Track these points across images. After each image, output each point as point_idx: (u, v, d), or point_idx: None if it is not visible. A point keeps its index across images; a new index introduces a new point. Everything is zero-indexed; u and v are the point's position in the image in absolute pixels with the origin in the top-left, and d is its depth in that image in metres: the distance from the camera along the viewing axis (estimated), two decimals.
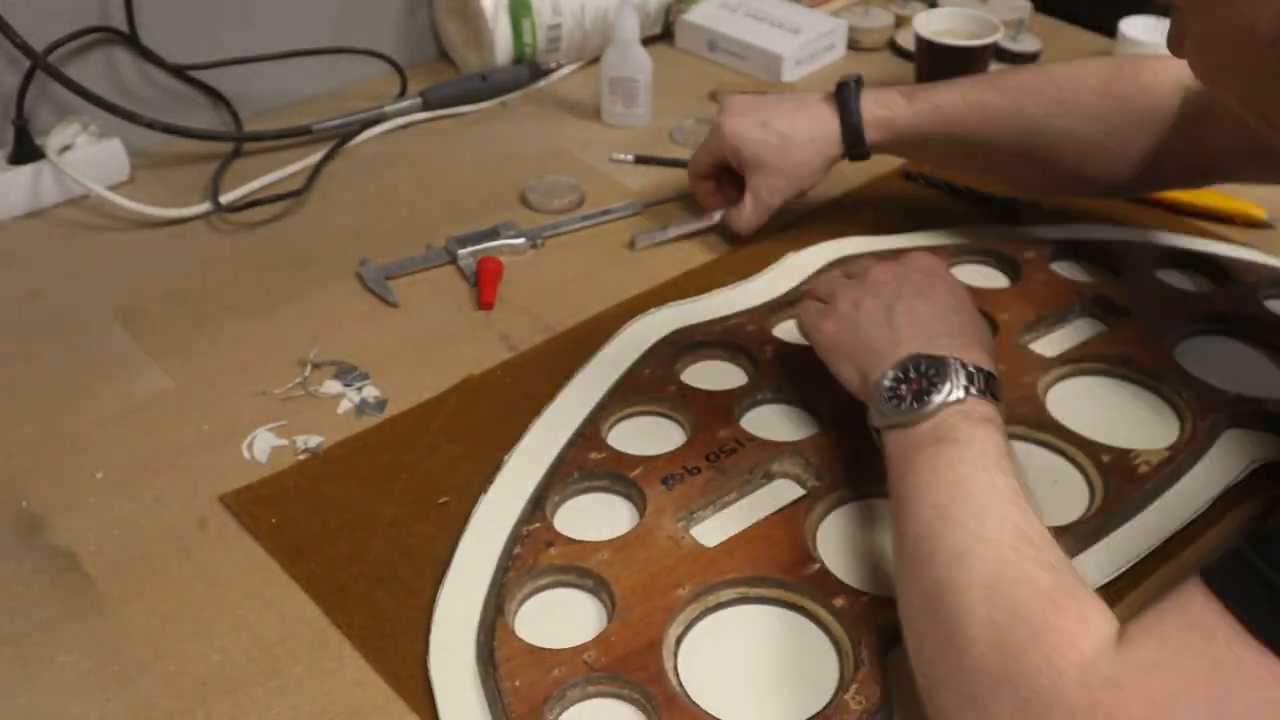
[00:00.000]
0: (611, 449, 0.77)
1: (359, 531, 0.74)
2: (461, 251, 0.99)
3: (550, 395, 0.83)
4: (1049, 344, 0.88)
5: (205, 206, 1.05)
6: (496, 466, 0.76)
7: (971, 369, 0.66)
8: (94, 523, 0.75)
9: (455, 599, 0.68)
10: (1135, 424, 0.81)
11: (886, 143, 0.95)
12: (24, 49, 1.00)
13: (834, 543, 0.72)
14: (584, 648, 0.64)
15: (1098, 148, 0.90)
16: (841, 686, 0.63)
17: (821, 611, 0.67)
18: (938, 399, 0.65)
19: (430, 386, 0.86)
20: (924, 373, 0.67)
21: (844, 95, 0.95)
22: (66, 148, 1.05)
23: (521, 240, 1.01)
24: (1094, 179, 0.92)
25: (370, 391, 0.85)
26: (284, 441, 0.81)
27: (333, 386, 0.86)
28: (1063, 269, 0.96)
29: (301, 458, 0.80)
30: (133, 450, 0.80)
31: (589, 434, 0.78)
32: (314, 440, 0.81)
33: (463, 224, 1.03)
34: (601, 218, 1.05)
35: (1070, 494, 0.76)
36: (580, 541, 0.70)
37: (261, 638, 0.68)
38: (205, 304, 0.94)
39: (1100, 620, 0.54)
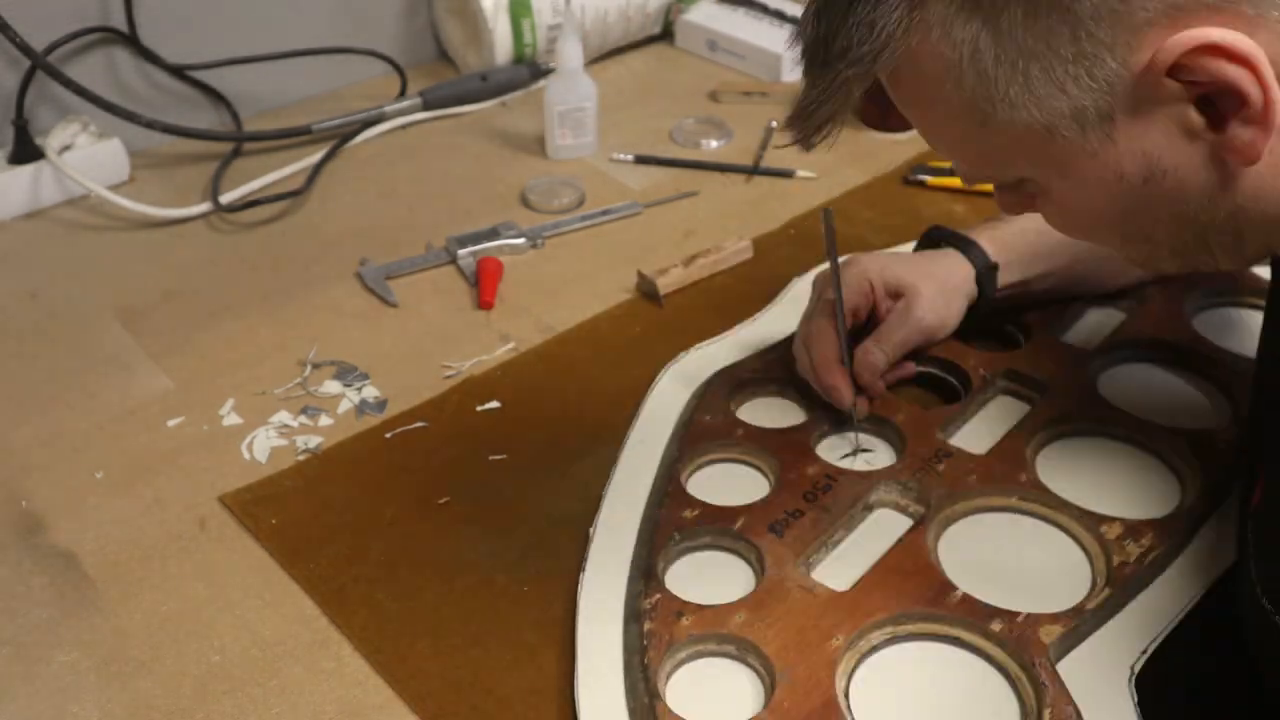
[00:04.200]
0: (704, 504, 0.73)
1: (359, 532, 0.74)
2: (461, 251, 0.99)
3: (552, 396, 0.83)
4: (1078, 336, 0.88)
5: (205, 206, 1.05)
6: (585, 541, 0.72)
7: None
8: (94, 523, 0.75)
9: (597, 693, 0.63)
10: (1192, 405, 0.82)
11: (1005, 260, 0.84)
12: (24, 49, 1.00)
13: (961, 566, 0.69)
14: (760, 719, 0.61)
15: None
16: (1028, 712, 0.61)
17: (980, 640, 0.65)
18: None
19: (430, 387, 0.86)
20: None
21: (937, 236, 0.85)
22: (66, 148, 1.05)
23: (521, 240, 1.01)
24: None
25: (370, 391, 0.85)
26: (284, 441, 0.81)
27: (333, 386, 0.86)
28: None
29: (301, 458, 0.80)
30: (133, 450, 0.80)
31: (673, 492, 0.74)
32: (314, 440, 0.81)
33: (463, 224, 1.03)
34: (601, 218, 1.05)
35: (1161, 482, 0.76)
36: (711, 606, 0.66)
37: (261, 638, 0.68)
38: (205, 304, 0.94)
39: None
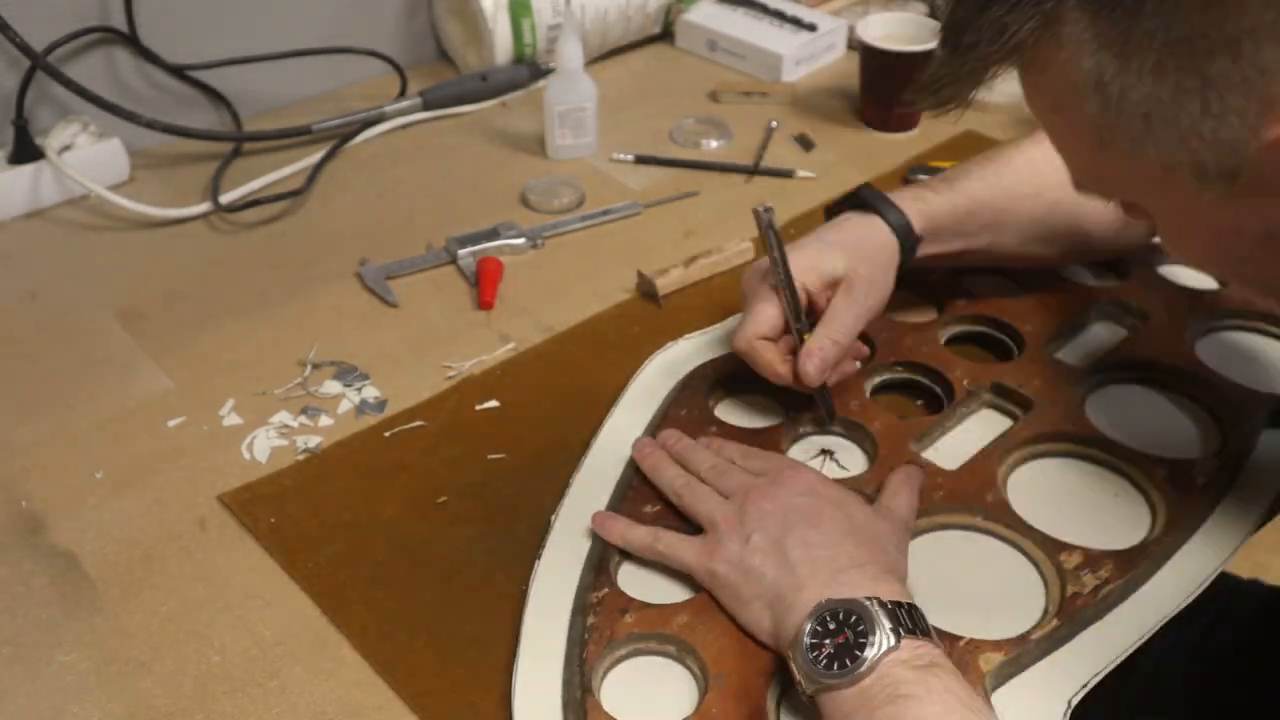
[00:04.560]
0: (665, 501, 0.73)
1: (358, 531, 0.74)
2: (461, 251, 0.99)
3: (551, 396, 0.83)
4: (1073, 353, 0.87)
5: (205, 206, 1.05)
6: (545, 529, 0.72)
7: (891, 606, 0.59)
8: (94, 523, 0.75)
9: (533, 678, 0.63)
10: (1178, 431, 0.80)
11: (929, 233, 0.84)
12: (24, 49, 1.00)
13: (914, 583, 0.68)
14: None
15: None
16: None
17: None
18: (871, 653, 0.57)
19: (430, 386, 0.86)
20: (844, 623, 0.59)
21: (867, 198, 0.84)
22: (66, 148, 1.05)
23: (521, 240, 1.01)
24: (1118, 240, 0.90)
25: (370, 391, 0.85)
26: (284, 441, 0.81)
27: (332, 386, 0.86)
28: (1071, 273, 0.95)
29: (301, 458, 0.80)
30: (133, 450, 0.81)
31: (638, 486, 0.75)
32: (313, 440, 0.81)
33: (463, 224, 1.03)
34: (601, 218, 1.05)
35: (1132, 510, 0.75)
36: (656, 605, 0.67)
37: (261, 638, 0.68)
38: (205, 304, 0.95)
39: None
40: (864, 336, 0.83)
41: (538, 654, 0.65)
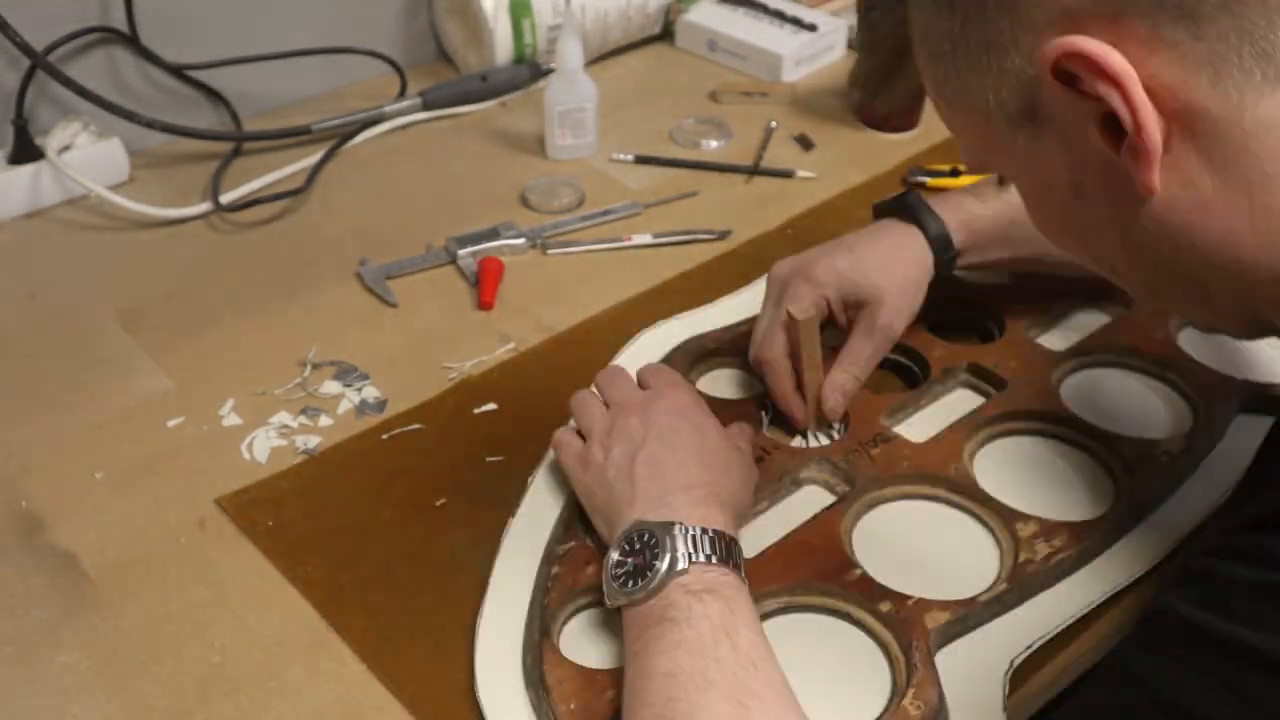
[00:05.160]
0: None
1: (356, 534, 0.74)
2: (461, 251, 0.99)
3: (551, 396, 0.83)
4: (1055, 338, 0.88)
5: (205, 206, 1.05)
6: (523, 487, 0.75)
7: (696, 532, 0.62)
8: (94, 523, 0.75)
9: (496, 623, 0.67)
10: (1149, 413, 0.81)
11: (970, 245, 0.83)
12: (24, 49, 1.00)
13: (870, 548, 0.71)
14: None
15: None
16: (897, 691, 0.63)
17: (868, 618, 0.66)
18: (659, 573, 0.60)
19: (430, 387, 0.86)
20: (646, 543, 0.62)
21: (910, 204, 0.83)
22: (66, 148, 1.05)
23: (521, 240, 1.01)
24: None
25: (370, 392, 0.85)
26: (283, 442, 0.81)
27: (332, 387, 0.86)
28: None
29: (300, 460, 0.80)
30: (132, 450, 0.81)
31: None
32: (313, 441, 0.81)
33: (463, 224, 1.03)
34: (602, 218, 1.05)
35: (1096, 488, 0.76)
36: None
37: (261, 638, 0.68)
38: (205, 304, 0.95)
39: None
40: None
41: (503, 599, 0.68)
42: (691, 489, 0.66)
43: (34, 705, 0.64)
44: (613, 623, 0.66)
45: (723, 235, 1.02)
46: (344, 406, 0.84)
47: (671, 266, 0.99)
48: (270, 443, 0.81)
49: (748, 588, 0.63)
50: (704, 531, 0.62)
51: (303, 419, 0.83)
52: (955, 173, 1.08)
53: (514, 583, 0.69)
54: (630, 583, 0.62)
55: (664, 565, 0.61)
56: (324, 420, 0.83)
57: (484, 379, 0.87)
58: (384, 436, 0.81)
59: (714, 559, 0.62)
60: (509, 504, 0.76)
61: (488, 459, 0.79)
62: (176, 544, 0.74)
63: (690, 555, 0.61)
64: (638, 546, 0.63)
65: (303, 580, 0.71)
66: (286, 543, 0.73)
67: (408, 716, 0.64)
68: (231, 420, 0.83)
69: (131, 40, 1.10)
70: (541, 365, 0.88)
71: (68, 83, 1.01)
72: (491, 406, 0.84)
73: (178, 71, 1.14)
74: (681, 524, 0.63)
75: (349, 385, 0.86)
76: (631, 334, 0.90)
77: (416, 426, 0.82)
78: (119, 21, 1.08)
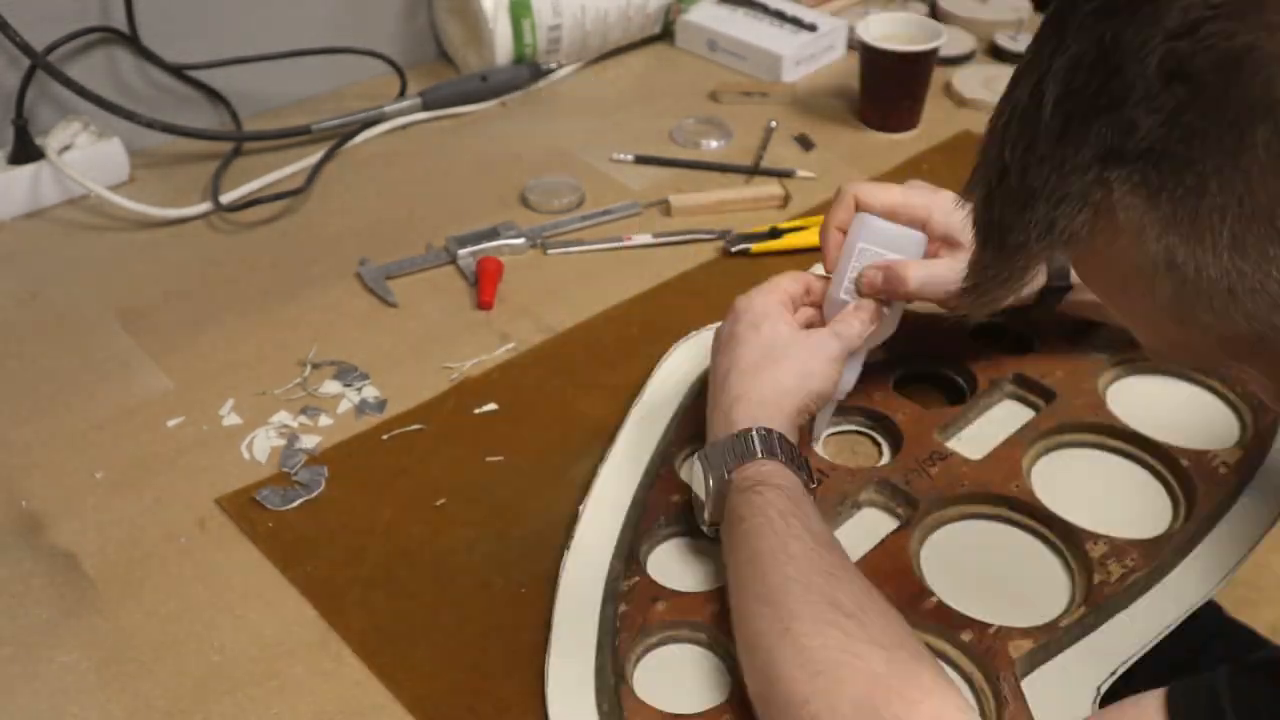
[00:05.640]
0: (693, 491, 0.72)
1: (356, 534, 0.74)
2: (461, 251, 0.99)
3: (551, 396, 0.83)
4: (1094, 342, 0.86)
5: (205, 206, 1.05)
6: (573, 519, 0.73)
7: (737, 437, 0.68)
8: (94, 523, 0.75)
9: (566, 666, 0.64)
10: (1200, 421, 0.81)
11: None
12: (24, 49, 1.00)
13: (939, 572, 0.70)
14: (722, 709, 0.62)
15: None
16: None
17: (949, 649, 0.65)
18: (709, 494, 0.67)
19: (430, 386, 0.86)
20: (715, 462, 0.68)
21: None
22: (66, 147, 1.05)
23: (521, 240, 1.01)
24: None
25: (370, 391, 0.85)
26: (283, 442, 0.81)
27: (332, 387, 0.86)
28: None
29: (299, 460, 0.80)
30: (132, 450, 0.81)
31: (665, 475, 0.75)
32: (313, 441, 0.81)
33: (463, 224, 1.03)
34: (601, 218, 1.05)
35: (1155, 501, 0.75)
36: (688, 594, 0.68)
37: (261, 638, 0.68)
38: (205, 304, 0.95)
39: (953, 715, 0.53)
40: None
41: (569, 643, 0.66)
42: (731, 407, 0.71)
43: (34, 705, 0.64)
44: (683, 660, 0.65)
45: (723, 235, 1.02)
46: (344, 406, 0.84)
47: (671, 266, 0.99)
48: (270, 443, 0.81)
49: (806, 464, 0.68)
50: (746, 433, 0.68)
51: (303, 419, 0.83)
52: (776, 233, 1.02)
53: (579, 623, 0.67)
54: (702, 512, 0.68)
55: (710, 483, 0.67)
56: (324, 420, 0.83)
57: (484, 379, 0.87)
58: (384, 437, 0.81)
59: (754, 456, 0.67)
60: (509, 504, 0.76)
61: (488, 459, 0.79)
62: (176, 544, 0.74)
63: (728, 460, 0.67)
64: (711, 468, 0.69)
65: (303, 580, 0.71)
66: (286, 542, 0.74)
67: (408, 716, 0.64)
68: (231, 420, 0.83)
69: (131, 40, 1.10)
70: (541, 365, 0.88)
71: (68, 83, 1.01)
72: (491, 406, 0.84)
73: (178, 71, 1.14)
74: (730, 435, 0.68)
75: (349, 385, 0.86)
76: (630, 335, 0.91)
77: (416, 426, 0.82)
78: (119, 21, 1.08)
